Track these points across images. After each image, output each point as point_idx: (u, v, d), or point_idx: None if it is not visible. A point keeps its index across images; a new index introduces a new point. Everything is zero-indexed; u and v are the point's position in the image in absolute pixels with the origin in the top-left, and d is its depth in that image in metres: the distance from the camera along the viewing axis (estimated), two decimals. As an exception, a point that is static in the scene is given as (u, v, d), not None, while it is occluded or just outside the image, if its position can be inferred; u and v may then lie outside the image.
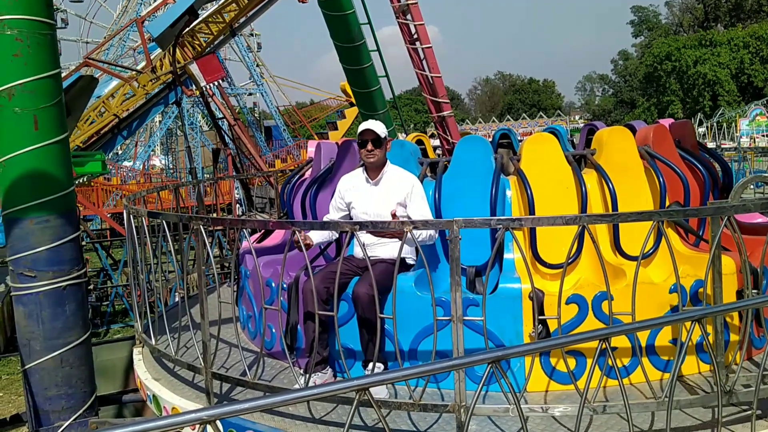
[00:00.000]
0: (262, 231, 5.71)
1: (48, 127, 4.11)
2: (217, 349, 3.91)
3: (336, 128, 29.59)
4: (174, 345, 4.16)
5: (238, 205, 22.22)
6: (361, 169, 4.23)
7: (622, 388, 2.57)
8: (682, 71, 57.10)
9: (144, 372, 4.46)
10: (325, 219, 4.28)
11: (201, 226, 3.54)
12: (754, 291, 3.31)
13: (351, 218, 4.18)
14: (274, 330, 4.39)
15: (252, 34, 43.62)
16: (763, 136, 42.58)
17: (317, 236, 4.10)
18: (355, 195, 4.17)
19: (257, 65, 42.61)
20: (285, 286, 4.29)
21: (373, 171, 4.12)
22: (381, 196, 4.07)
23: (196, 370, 3.84)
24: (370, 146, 4.03)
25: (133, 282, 4.78)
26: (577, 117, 65.82)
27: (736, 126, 45.39)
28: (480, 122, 59.32)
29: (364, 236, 3.94)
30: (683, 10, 70.64)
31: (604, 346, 2.36)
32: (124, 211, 4.65)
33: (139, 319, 4.82)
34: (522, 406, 3.21)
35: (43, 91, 4.09)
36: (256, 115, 45.67)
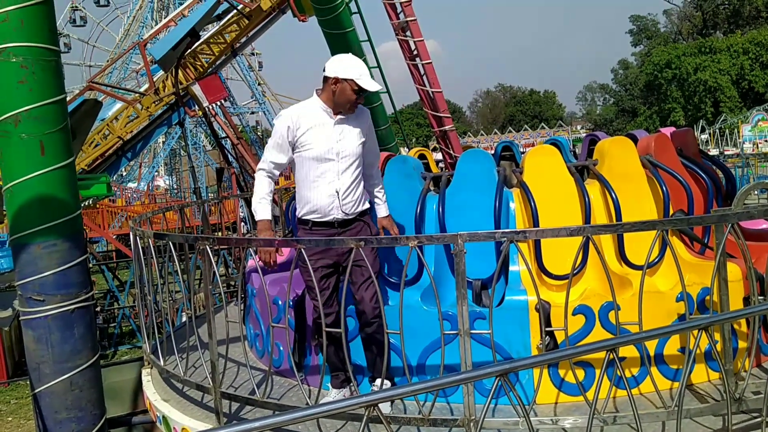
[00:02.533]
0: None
1: (54, 152, 4.13)
2: (225, 368, 3.92)
3: (338, 144, 29.64)
4: (182, 365, 4.17)
5: (242, 224, 22.27)
6: (318, 105, 3.69)
7: (631, 399, 2.57)
8: (682, 79, 57.20)
9: (153, 393, 4.46)
10: (262, 165, 3.76)
11: (207, 246, 3.56)
12: (760, 297, 3.31)
13: (291, 162, 3.75)
14: (282, 348, 4.40)
15: (253, 53, 44.06)
16: (766, 141, 42.55)
17: (266, 210, 3.74)
18: (315, 134, 3.65)
19: (259, 84, 42.99)
20: (292, 303, 4.31)
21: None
22: (349, 132, 3.70)
23: (205, 389, 3.85)
24: (361, 98, 3.67)
25: (141, 303, 4.80)
26: (579, 127, 65.92)
27: (738, 132, 45.39)
28: (482, 134, 59.41)
29: (340, 183, 3.65)
30: (682, 18, 70.90)
31: (612, 356, 2.36)
32: (131, 233, 4.69)
33: (147, 340, 4.84)
34: (532, 418, 3.21)
35: (49, 116, 4.12)
36: (259, 133, 45.93)
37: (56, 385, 4.12)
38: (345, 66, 3.60)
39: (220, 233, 18.57)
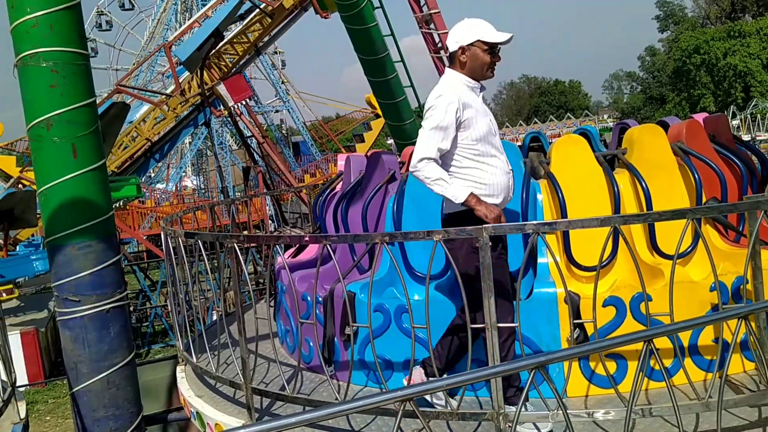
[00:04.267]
0: (297, 246, 5.78)
1: (86, 155, 4.21)
2: (256, 364, 3.96)
3: (363, 140, 29.73)
4: (214, 362, 4.23)
5: (270, 221, 22.46)
6: (462, 80, 3.41)
7: (670, 390, 2.53)
8: (711, 64, 56.03)
9: (187, 389, 4.54)
10: (428, 154, 3.28)
11: (235, 245, 3.60)
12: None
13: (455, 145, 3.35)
14: (311, 343, 4.43)
15: (276, 52, 44.34)
16: (800, 125, 41.47)
17: (463, 186, 3.33)
18: (475, 111, 3.36)
19: (282, 82, 43.26)
20: (320, 299, 4.34)
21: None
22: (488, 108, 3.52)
23: (237, 386, 3.90)
24: (497, 57, 3.42)
25: (173, 302, 4.87)
26: (605, 116, 65.06)
27: (771, 117, 44.32)
28: (507, 126, 58.94)
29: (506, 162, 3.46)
30: (709, 2, 69.35)
31: (649, 347, 2.33)
32: (162, 233, 4.76)
33: (180, 337, 4.92)
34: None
35: (80, 119, 4.20)
36: (283, 131, 46.25)
37: (93, 383, 4.21)
38: (464, 30, 3.38)
39: (247, 231, 18.74)
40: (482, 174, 3.39)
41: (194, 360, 4.43)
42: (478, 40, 3.33)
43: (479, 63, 3.37)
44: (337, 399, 3.65)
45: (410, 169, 3.30)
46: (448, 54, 3.42)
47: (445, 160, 3.40)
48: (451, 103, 3.28)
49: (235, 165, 41.23)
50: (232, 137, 40.86)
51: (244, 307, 4.34)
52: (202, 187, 42.32)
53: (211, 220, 6.17)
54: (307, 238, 4.08)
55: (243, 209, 20.30)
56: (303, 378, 4.36)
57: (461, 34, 3.38)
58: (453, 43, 3.38)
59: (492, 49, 3.36)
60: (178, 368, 4.96)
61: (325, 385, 4.18)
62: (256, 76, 42.79)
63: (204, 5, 27.17)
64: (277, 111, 45.29)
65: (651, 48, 74.79)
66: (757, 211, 2.92)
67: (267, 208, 22.61)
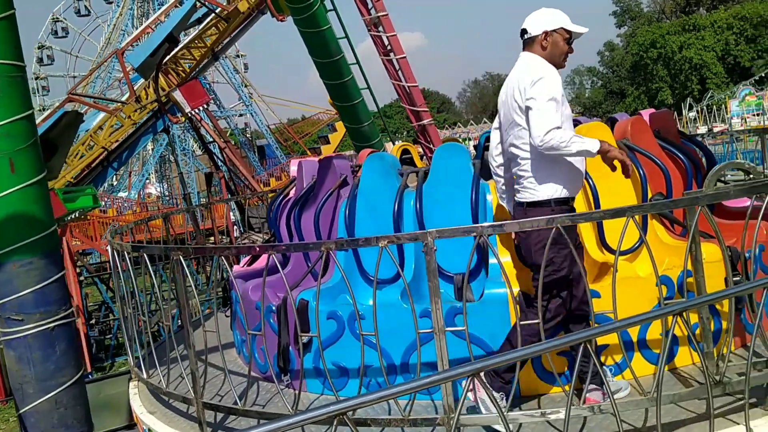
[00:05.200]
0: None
1: (25, 169, 4.10)
2: (206, 378, 3.88)
3: (328, 142, 29.58)
4: (165, 378, 4.13)
5: (235, 227, 22.21)
6: (543, 63, 3.39)
7: (608, 388, 2.55)
8: (668, 57, 57.20)
9: (139, 406, 4.43)
10: (555, 123, 3.14)
11: (181, 257, 3.52)
12: (735, 278, 3.29)
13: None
14: (267, 353, 4.37)
15: (238, 56, 43.94)
16: (754, 115, 42.55)
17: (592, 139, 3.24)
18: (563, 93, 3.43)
19: (245, 86, 42.85)
20: (274, 308, 4.28)
21: None
22: None
23: (189, 401, 3.82)
24: (571, 49, 3.47)
25: (122, 316, 4.76)
26: (568, 111, 65.68)
27: (726, 108, 45.40)
28: (472, 124, 59.27)
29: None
30: (664, -3, 70.85)
31: (586, 348, 2.34)
32: (108, 247, 4.64)
33: (131, 353, 4.80)
34: (516, 413, 3.20)
35: (18, 133, 4.08)
36: (247, 135, 45.79)
37: (41, 404, 4.09)
38: (549, 16, 3.40)
39: (212, 238, 18.51)
40: (569, 160, 3.32)
41: (144, 375, 4.33)
42: (561, 28, 3.39)
43: (559, 50, 3.42)
44: (290, 411, 3.59)
45: (538, 144, 3.15)
46: (526, 37, 3.44)
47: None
48: (556, 76, 3.31)
49: (199, 171, 40.63)
50: (195, 143, 40.32)
51: (203, 318, 4.27)
52: (167, 194, 41.63)
53: (165, 230, 6.04)
54: (258, 248, 4.01)
55: (207, 215, 20.01)
56: (259, 388, 4.30)
57: (546, 18, 3.41)
58: (537, 27, 3.40)
59: (569, 39, 3.43)
60: (131, 384, 4.85)
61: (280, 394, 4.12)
62: (218, 80, 42.35)
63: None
64: (240, 115, 44.89)
65: (610, 43, 75.95)
66: (695, 206, 2.96)
67: (231, 213, 22.35)
